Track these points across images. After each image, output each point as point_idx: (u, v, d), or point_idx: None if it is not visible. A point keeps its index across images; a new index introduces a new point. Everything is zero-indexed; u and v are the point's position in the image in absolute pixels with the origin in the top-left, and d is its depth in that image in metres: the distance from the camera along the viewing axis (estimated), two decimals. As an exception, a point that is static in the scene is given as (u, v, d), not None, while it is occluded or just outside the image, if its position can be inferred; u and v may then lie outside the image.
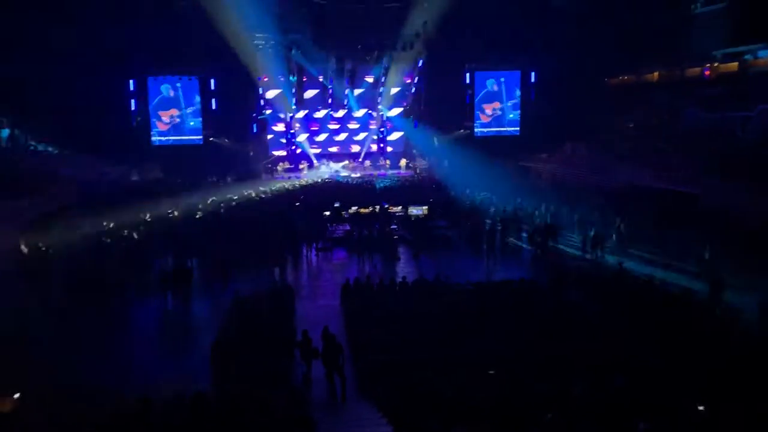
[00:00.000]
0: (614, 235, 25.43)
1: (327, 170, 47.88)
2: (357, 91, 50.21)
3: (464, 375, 9.22)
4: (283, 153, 50.38)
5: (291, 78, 47.65)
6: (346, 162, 49.55)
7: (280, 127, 50.40)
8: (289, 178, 45.80)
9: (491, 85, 52.70)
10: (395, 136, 52.49)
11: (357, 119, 51.15)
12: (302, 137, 50.59)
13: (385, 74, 48.74)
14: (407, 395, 9.07)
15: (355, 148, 51.40)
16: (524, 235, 28.35)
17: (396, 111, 51.79)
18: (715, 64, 40.72)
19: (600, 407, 6.57)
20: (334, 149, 50.90)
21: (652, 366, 9.92)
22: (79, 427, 7.90)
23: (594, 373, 8.78)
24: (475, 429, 6.22)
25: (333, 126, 51.07)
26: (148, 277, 22.35)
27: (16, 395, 11.48)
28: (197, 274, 22.07)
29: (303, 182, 43.16)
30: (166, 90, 48.21)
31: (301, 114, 50.22)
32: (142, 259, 24.43)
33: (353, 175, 45.93)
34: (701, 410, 6.57)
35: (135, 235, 26.66)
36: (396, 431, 9.17)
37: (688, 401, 6.82)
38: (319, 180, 43.88)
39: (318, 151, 50.66)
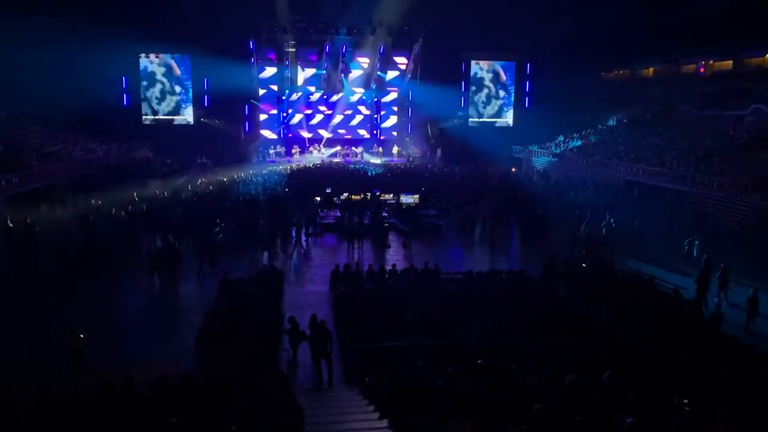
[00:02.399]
0: (604, 230, 25.42)
1: (319, 155, 47.60)
2: (352, 75, 49.93)
3: (453, 366, 9.18)
4: (274, 136, 50.07)
5: (286, 60, 47.28)
6: (339, 147, 49.26)
7: (272, 110, 50.08)
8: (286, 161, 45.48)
9: (486, 74, 52.62)
10: (390, 122, 52.27)
11: (351, 104, 50.83)
12: (296, 119, 50.31)
13: (380, 59, 48.47)
14: (396, 385, 9.02)
15: (348, 135, 51.18)
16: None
17: (391, 96, 51.60)
18: (710, 62, 40.88)
19: (588, 401, 6.57)
20: (326, 134, 50.59)
21: (640, 361, 9.96)
22: (65, 403, 7.82)
23: (583, 367, 8.78)
24: (464, 423, 6.18)
25: (327, 110, 50.73)
26: (135, 258, 22.17)
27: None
28: (185, 256, 21.88)
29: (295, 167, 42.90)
30: (159, 68, 47.72)
31: (295, 96, 49.88)
32: (129, 239, 24.24)
33: (339, 161, 45.82)
34: (686, 406, 6.58)
35: (123, 215, 26.45)
36: (383, 419, 9.15)
37: (674, 396, 6.83)
38: (312, 165, 43.60)
39: (310, 135, 50.36)
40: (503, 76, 52.81)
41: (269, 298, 16.57)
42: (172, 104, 48.39)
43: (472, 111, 52.79)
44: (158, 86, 48.04)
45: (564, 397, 6.83)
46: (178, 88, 48.29)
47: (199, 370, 11.94)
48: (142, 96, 47.75)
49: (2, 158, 28.76)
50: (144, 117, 47.89)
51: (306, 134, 50.42)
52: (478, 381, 8.13)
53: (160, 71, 47.94)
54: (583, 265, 19.81)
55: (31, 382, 10.41)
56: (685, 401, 6.52)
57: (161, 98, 48.21)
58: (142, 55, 47.13)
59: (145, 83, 47.74)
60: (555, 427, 5.85)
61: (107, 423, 7.07)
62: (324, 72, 48.66)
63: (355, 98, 50.75)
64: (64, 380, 10.43)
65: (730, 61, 39.62)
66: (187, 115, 48.60)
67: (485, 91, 52.85)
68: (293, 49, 47.49)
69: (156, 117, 48.26)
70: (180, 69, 48.11)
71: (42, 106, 39.14)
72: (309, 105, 50.46)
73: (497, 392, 7.49)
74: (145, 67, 47.70)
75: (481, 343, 12.44)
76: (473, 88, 52.66)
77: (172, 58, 47.45)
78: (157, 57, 47.40)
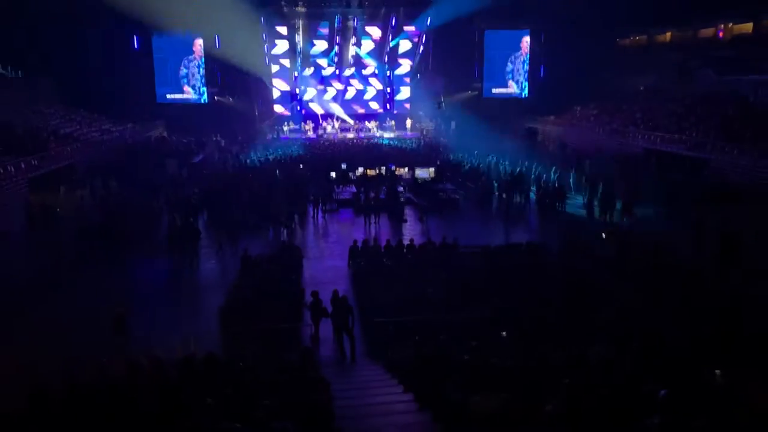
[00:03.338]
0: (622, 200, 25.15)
1: (332, 131, 47.46)
2: (364, 47, 49.43)
3: (476, 339, 9.21)
4: (287, 112, 49.92)
5: (297, 35, 46.92)
6: (352, 122, 49.06)
7: (285, 86, 49.85)
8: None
9: (500, 44, 51.81)
10: (403, 95, 51.79)
11: (364, 78, 50.40)
12: (309, 95, 50.06)
13: (393, 31, 47.91)
14: (420, 358, 9.07)
15: (361, 110, 50.86)
16: (532, 197, 28.15)
17: (405, 68, 51.05)
18: (729, 25, 39.92)
19: (617, 373, 6.57)
20: (338, 108, 50.35)
21: (664, 333, 9.91)
22: (93, 383, 7.94)
23: (608, 339, 8.77)
24: (493, 396, 6.18)
25: (339, 86, 50.40)
26: (155, 236, 22.36)
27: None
28: (205, 234, 22.03)
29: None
30: (171, 47, 47.54)
31: (308, 71, 49.57)
32: (149, 219, 24.42)
33: (352, 136, 45.72)
34: (718, 375, 6.55)
35: (141, 194, 26.67)
36: (407, 392, 9.23)
37: (704, 366, 6.80)
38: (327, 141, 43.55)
39: (322, 112, 50.13)
40: (517, 46, 51.97)
41: (289, 274, 16.69)
42: (186, 83, 48.27)
43: (486, 82, 52.12)
44: (172, 65, 47.87)
45: (591, 371, 6.83)
46: (191, 67, 48.09)
47: (224, 348, 12.10)
48: (156, 75, 47.66)
49: (21, 140, 28.95)
50: (159, 96, 47.90)
51: (319, 110, 50.19)
52: (504, 354, 8.15)
53: (173, 50, 47.75)
54: (603, 235, 19.65)
55: (60, 361, 10.66)
56: (717, 371, 6.49)
57: (175, 77, 48.07)
58: (156, 34, 46.91)
59: (157, 62, 47.59)
60: (584, 401, 5.85)
61: (137, 404, 7.15)
62: (335, 46, 48.18)
63: (367, 71, 50.31)
64: (101, 349, 10.62)
65: (750, 24, 38.66)
66: (201, 94, 48.52)
67: (499, 61, 52.07)
68: (305, 24, 47.05)
69: (170, 96, 48.22)
70: (193, 47, 47.88)
71: (57, 86, 39.32)
72: (321, 80, 50.11)
73: (524, 366, 7.51)
74: (159, 46, 47.51)
75: (502, 317, 12.45)
76: (487, 58, 51.90)
77: (185, 36, 47.22)
78: (169, 36, 47.18)
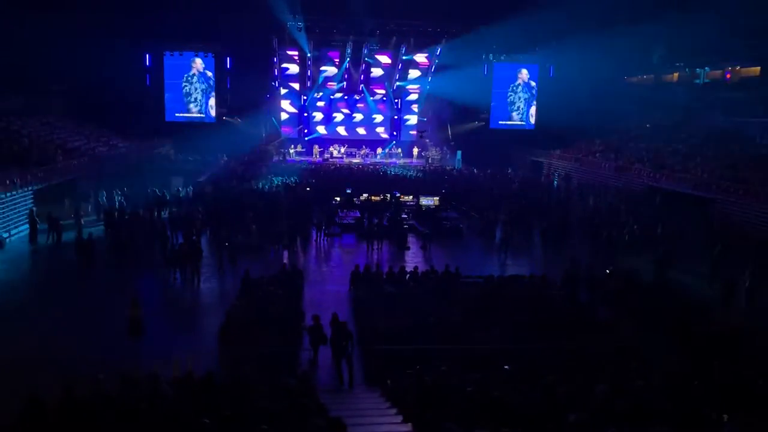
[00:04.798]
0: (627, 237, 25.13)
1: (338, 155, 47.68)
2: (374, 74, 49.85)
3: (478, 371, 9.07)
4: (294, 134, 50.18)
5: (308, 60, 47.37)
6: (362, 150, 49.30)
7: (293, 109, 50.18)
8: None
9: (508, 77, 52.17)
10: (410, 123, 52.09)
11: (373, 104, 50.75)
12: (317, 118, 50.41)
13: (403, 59, 48.37)
14: (421, 388, 8.91)
15: (368, 136, 51.16)
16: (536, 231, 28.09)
17: (412, 96, 51.39)
18: (737, 68, 40.26)
19: (623, 410, 6.43)
20: (345, 133, 50.64)
21: (668, 372, 9.77)
22: (88, 399, 7.82)
23: (613, 375, 8.63)
24: (496, 431, 6.04)
25: (347, 110, 50.75)
26: (157, 254, 22.29)
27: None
28: (206, 252, 21.95)
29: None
30: (182, 66, 47.94)
31: (317, 95, 49.96)
32: (151, 235, 24.35)
33: (358, 161, 45.90)
34: (725, 419, 6.41)
35: (144, 211, 26.67)
36: (406, 422, 9.05)
37: (711, 409, 6.66)
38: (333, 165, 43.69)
39: (328, 135, 50.45)
40: (527, 79, 52.30)
41: (290, 297, 16.54)
42: (195, 102, 48.57)
43: (494, 113, 52.37)
44: (181, 84, 48.23)
45: (596, 407, 6.69)
46: (200, 86, 48.46)
47: (222, 369, 11.93)
48: (166, 93, 47.99)
49: (28, 152, 29.05)
50: (168, 114, 48.16)
51: (325, 132, 50.50)
52: (507, 387, 8.00)
53: (183, 68, 48.13)
54: (607, 271, 19.52)
55: (56, 377, 10.50)
56: (725, 415, 6.35)
57: (184, 96, 48.39)
58: (167, 52, 47.34)
59: (168, 80, 47.95)
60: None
61: (132, 421, 7.04)
62: (345, 71, 48.62)
63: (376, 98, 50.70)
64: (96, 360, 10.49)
65: (758, 68, 39.00)
66: (209, 114, 48.78)
67: (507, 93, 52.37)
68: (316, 50, 47.51)
69: (178, 114, 48.50)
70: (203, 67, 48.29)
71: (66, 99, 39.58)
72: (330, 104, 50.48)
73: (528, 400, 7.36)
74: (169, 65, 47.92)
75: (504, 349, 12.31)
76: (495, 90, 52.22)
77: (196, 55, 47.66)
78: (180, 55, 47.63)
